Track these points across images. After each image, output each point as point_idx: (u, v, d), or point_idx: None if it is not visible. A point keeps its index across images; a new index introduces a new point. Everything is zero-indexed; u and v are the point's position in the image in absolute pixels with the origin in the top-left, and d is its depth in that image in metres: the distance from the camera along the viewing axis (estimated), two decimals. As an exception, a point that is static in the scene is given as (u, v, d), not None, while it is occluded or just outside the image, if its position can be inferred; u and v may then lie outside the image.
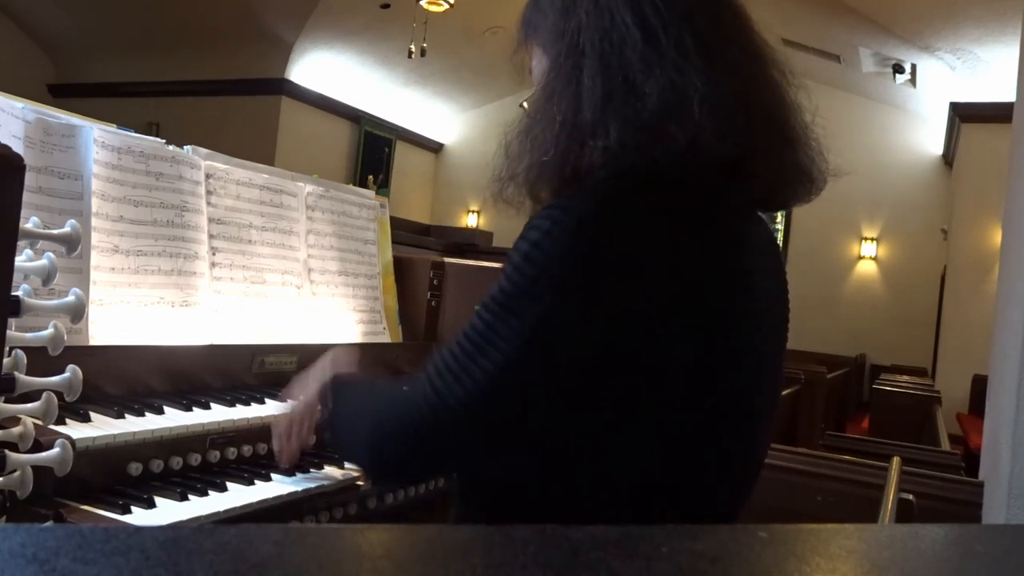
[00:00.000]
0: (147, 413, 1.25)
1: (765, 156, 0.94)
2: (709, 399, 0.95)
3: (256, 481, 1.28)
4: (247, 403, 1.42)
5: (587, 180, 0.91)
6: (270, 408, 1.42)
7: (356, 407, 1.08)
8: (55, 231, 0.96)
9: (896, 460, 1.87)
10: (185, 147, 1.52)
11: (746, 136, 0.91)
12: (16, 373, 0.96)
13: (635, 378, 0.91)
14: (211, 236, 1.52)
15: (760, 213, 1.08)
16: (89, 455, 1.10)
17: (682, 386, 0.92)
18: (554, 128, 0.93)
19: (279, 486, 1.28)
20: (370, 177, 11.21)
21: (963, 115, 8.15)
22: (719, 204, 0.96)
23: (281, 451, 1.28)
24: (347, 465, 1.41)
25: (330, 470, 1.38)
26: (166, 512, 1.11)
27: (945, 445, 3.95)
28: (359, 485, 1.40)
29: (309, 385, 1.24)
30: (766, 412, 1.05)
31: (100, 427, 1.15)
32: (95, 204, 1.32)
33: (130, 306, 1.35)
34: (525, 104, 1.05)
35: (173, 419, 1.26)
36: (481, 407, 0.89)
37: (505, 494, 1.00)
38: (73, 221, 0.97)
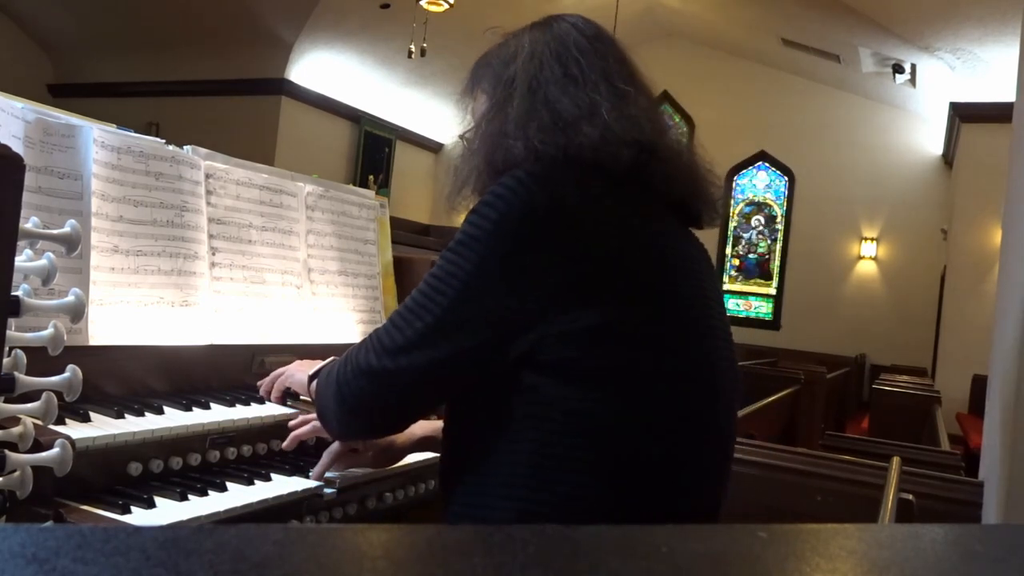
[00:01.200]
0: (147, 413, 1.25)
1: (673, 160, 1.13)
2: (663, 362, 1.02)
3: (256, 481, 1.28)
4: (247, 403, 1.42)
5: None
6: (270, 408, 1.43)
7: (327, 375, 1.20)
8: (55, 231, 0.96)
9: (896, 460, 1.87)
10: (185, 147, 1.52)
11: (652, 137, 1.10)
12: (16, 373, 0.96)
13: (585, 326, 0.98)
14: (211, 236, 1.52)
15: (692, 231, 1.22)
16: (89, 455, 1.10)
17: (634, 332, 1.01)
18: (484, 140, 1.14)
19: (279, 486, 1.28)
20: (370, 177, 11.20)
21: (963, 115, 8.15)
22: (636, 188, 1.10)
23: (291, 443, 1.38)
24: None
25: (330, 470, 1.38)
26: (166, 512, 1.11)
27: (945, 445, 3.95)
28: (359, 485, 1.40)
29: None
30: (730, 390, 1.11)
31: (100, 427, 1.15)
32: (95, 204, 1.32)
33: (130, 306, 1.35)
34: (462, 136, 1.25)
35: (173, 419, 1.26)
36: (413, 360, 1.03)
37: (486, 494, 1.03)
38: (73, 221, 0.97)
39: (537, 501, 0.99)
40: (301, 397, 1.50)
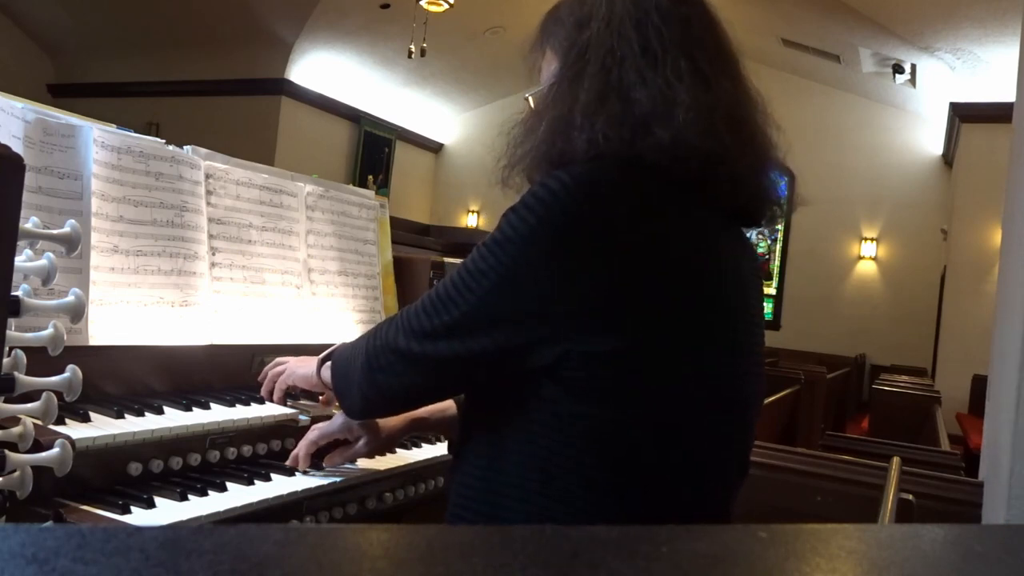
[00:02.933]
0: (147, 413, 1.25)
1: (745, 165, 1.04)
2: (689, 385, 0.99)
3: (256, 481, 1.28)
4: (247, 403, 1.42)
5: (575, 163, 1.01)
6: (270, 408, 1.42)
7: (351, 348, 1.19)
8: (55, 231, 0.96)
9: (896, 460, 1.87)
10: (185, 147, 1.52)
11: (727, 143, 1.01)
12: (16, 373, 0.95)
13: (612, 349, 0.95)
14: (211, 236, 1.52)
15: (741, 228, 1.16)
16: (89, 455, 1.10)
17: (663, 357, 0.97)
18: (549, 122, 1.05)
19: (279, 486, 1.28)
20: (370, 177, 11.21)
21: (963, 115, 8.15)
22: (699, 196, 1.04)
23: (299, 457, 1.36)
24: (346, 465, 1.41)
25: (330, 470, 1.38)
26: (166, 512, 1.11)
27: (945, 445, 3.95)
28: (359, 485, 1.40)
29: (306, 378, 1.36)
30: (753, 401, 1.09)
31: (100, 427, 1.15)
32: (95, 204, 1.32)
33: (130, 306, 1.35)
34: (529, 97, 1.17)
35: (173, 419, 1.26)
36: (440, 348, 1.02)
37: (495, 491, 1.02)
38: (73, 221, 0.97)
39: (546, 508, 0.97)
40: (302, 400, 1.50)
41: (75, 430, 1.10)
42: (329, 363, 1.26)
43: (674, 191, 1.02)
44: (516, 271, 0.97)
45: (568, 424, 0.97)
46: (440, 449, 1.65)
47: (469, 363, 1.02)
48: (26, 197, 0.93)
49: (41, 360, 0.99)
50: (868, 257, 10.72)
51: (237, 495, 1.22)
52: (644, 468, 0.98)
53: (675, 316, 0.98)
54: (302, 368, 1.38)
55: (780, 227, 11.29)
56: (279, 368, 1.43)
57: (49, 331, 0.96)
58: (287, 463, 1.35)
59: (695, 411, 1.00)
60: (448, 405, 1.37)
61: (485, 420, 1.07)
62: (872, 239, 10.70)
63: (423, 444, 1.65)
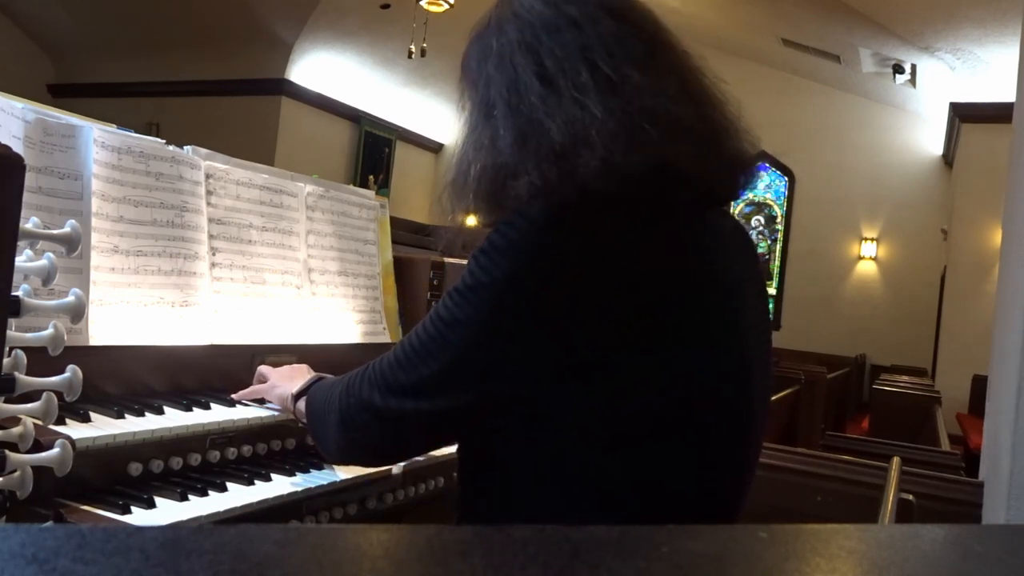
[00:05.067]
0: (147, 413, 1.25)
1: (697, 154, 0.96)
2: (687, 408, 0.95)
3: (256, 481, 1.28)
4: (247, 403, 1.42)
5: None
6: (270, 409, 1.43)
7: (325, 397, 1.15)
8: (55, 231, 0.96)
9: (896, 460, 1.87)
10: (185, 147, 1.52)
11: (664, 144, 0.93)
12: (16, 373, 0.96)
13: (606, 388, 0.92)
14: (211, 236, 1.52)
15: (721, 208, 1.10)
16: (89, 455, 1.10)
17: (654, 395, 0.93)
18: (479, 171, 1.00)
19: (279, 486, 1.28)
20: (370, 177, 11.21)
21: (963, 115, 8.16)
22: (664, 207, 0.98)
23: None
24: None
25: (330, 470, 1.38)
26: (166, 512, 1.11)
27: (945, 445, 3.95)
28: (359, 485, 1.40)
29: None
30: (760, 413, 1.06)
31: (100, 427, 1.15)
32: (95, 204, 1.32)
33: (130, 306, 1.35)
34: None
35: (173, 419, 1.26)
36: (415, 412, 0.97)
37: (503, 504, 1.01)
38: (73, 221, 0.97)
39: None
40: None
41: (75, 430, 1.10)
42: (304, 400, 1.26)
43: (636, 208, 0.95)
44: (494, 319, 0.92)
45: (567, 465, 0.94)
46: (440, 449, 1.65)
47: (452, 418, 0.97)
48: (26, 197, 0.93)
49: (41, 360, 0.99)
50: (868, 257, 10.73)
51: (237, 495, 1.22)
52: (644, 491, 0.95)
53: (662, 350, 0.93)
54: (279, 388, 1.38)
55: (780, 227, 11.30)
56: (259, 386, 1.44)
57: (49, 331, 0.96)
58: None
59: (698, 445, 0.97)
60: None
61: (476, 461, 1.04)
62: (872, 239, 10.70)
63: (423, 444, 1.65)
